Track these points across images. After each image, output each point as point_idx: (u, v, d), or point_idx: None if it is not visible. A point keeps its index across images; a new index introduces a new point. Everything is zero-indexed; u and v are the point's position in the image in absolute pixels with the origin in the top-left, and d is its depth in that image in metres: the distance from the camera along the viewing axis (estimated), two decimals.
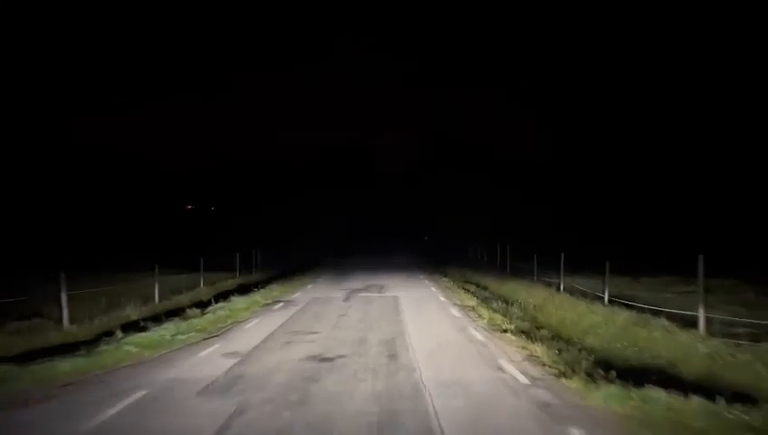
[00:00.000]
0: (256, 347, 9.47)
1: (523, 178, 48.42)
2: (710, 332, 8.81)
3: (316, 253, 44.92)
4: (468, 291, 18.54)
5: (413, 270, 30.04)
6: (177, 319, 12.39)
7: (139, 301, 13.77)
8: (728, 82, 34.03)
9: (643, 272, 19.12)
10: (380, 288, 19.46)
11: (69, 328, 10.45)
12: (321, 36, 79.62)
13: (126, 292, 14.11)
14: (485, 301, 16.22)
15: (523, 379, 7.25)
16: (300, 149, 69.48)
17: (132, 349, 9.24)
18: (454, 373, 7.52)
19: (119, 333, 10.12)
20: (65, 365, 7.96)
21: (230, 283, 23.30)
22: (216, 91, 66.32)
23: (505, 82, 56.43)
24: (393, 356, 8.64)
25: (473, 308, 14.55)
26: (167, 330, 11.07)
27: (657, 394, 6.02)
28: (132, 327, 11.00)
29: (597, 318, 11.38)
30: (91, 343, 9.47)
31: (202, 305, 14.46)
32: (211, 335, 10.79)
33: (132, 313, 12.60)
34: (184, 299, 15.76)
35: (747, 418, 5.23)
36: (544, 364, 8.09)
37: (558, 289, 17.11)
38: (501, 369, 7.82)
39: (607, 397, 6.23)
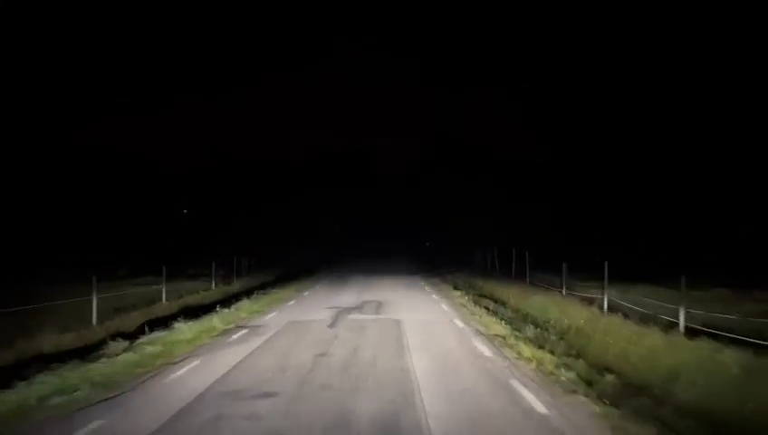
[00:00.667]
0: (158, 432, 5.46)
1: (524, 178, 46.00)
2: None
3: (313, 254, 43.88)
4: (487, 309, 14.59)
5: (416, 279, 26.19)
6: (76, 360, 8.43)
7: (79, 323, 10.53)
8: (730, 81, 31.44)
9: (673, 281, 15.48)
10: (378, 306, 15.44)
11: None
12: (321, 36, 76.92)
13: (68, 309, 11.18)
14: (513, 325, 12.35)
15: None
16: (300, 149, 67.65)
17: None
18: None
19: None
20: None
21: (200, 296, 19.92)
22: (216, 92, 63.38)
23: (505, 82, 53.25)
24: None
25: (503, 339, 10.57)
26: (44, 385, 7.14)
27: None
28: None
29: (684, 357, 7.69)
30: None
31: (133, 336, 10.50)
32: (107, 397, 6.78)
33: (47, 343, 9.19)
34: (127, 322, 12.02)
35: None
36: None
37: (601, 307, 13.50)
38: None
39: None
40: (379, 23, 74.47)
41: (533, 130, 46.04)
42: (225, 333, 11.52)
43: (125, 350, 9.47)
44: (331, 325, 12.12)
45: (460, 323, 12.46)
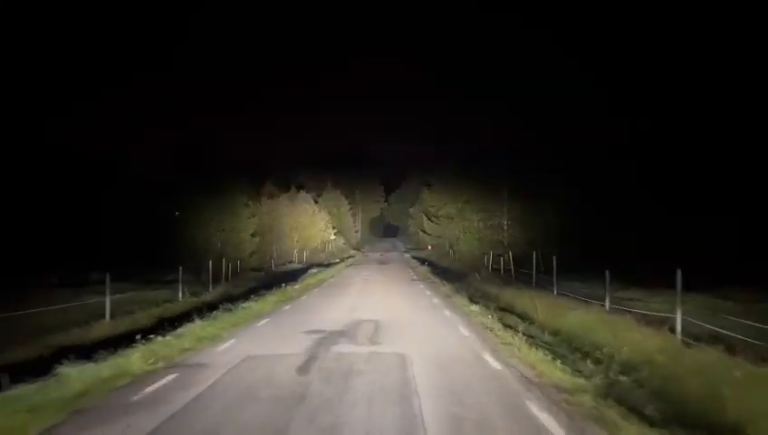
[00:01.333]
0: None
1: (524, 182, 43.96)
2: None
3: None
4: (516, 331, 10.54)
5: (421, 287, 22.28)
6: None
7: None
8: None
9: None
10: (374, 331, 11.41)
11: None
12: (324, 44, 73.69)
13: None
14: (559, 354, 8.56)
15: None
16: (302, 155, 65.91)
17: None
18: None
19: None
20: None
21: (158, 310, 16.61)
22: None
23: (506, 97, 50.02)
24: None
25: (569, 395, 6.58)
26: None
27: None
28: None
29: None
30: None
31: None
32: None
33: None
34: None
35: None
36: None
37: (672, 330, 10.08)
38: None
39: None
40: (381, 28, 71.07)
41: (534, 136, 43.19)
42: (139, 381, 7.52)
43: None
44: (302, 369, 8.07)
45: (493, 362, 8.45)
